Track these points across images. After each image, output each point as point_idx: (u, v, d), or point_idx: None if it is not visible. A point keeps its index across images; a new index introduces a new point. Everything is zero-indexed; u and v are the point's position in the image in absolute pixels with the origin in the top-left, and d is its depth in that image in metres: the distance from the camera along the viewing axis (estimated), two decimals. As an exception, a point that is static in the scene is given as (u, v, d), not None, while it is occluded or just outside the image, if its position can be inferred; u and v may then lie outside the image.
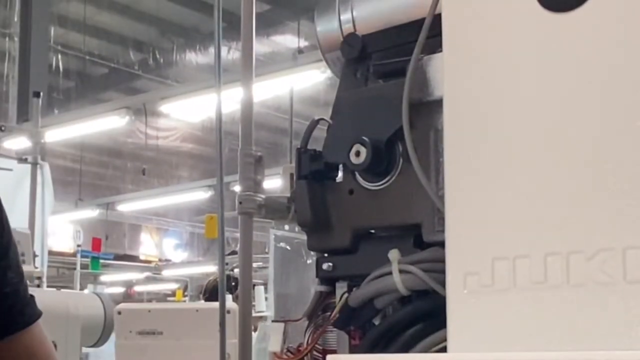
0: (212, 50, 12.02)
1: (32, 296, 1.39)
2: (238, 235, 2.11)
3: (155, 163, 14.61)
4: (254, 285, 5.40)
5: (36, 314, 1.38)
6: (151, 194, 13.78)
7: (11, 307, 1.33)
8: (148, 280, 16.23)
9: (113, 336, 3.14)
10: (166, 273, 15.94)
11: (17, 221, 4.87)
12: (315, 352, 1.57)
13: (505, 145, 1.06)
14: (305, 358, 1.57)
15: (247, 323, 2.15)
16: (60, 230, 13.15)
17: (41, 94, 6.24)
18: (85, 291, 8.37)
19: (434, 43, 1.30)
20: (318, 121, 1.64)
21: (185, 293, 13.15)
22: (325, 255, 1.58)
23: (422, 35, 1.35)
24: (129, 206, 14.41)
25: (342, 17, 1.63)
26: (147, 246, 17.54)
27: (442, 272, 1.11)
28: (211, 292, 5.64)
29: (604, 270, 0.96)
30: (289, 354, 1.60)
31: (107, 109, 9.03)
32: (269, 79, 7.30)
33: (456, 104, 1.12)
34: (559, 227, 1.00)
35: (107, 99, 11.88)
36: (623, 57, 0.98)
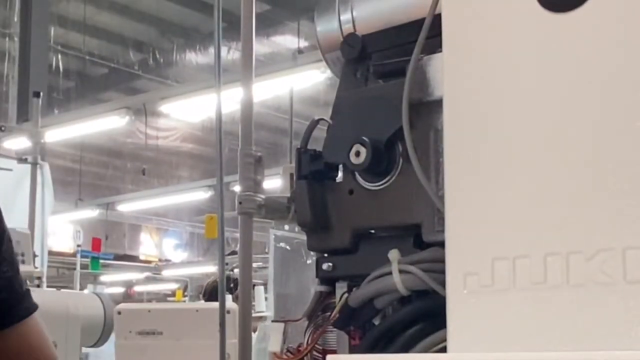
0: (212, 50, 12.02)
1: (27, 290, 1.38)
2: (238, 235, 2.11)
3: (155, 163, 14.61)
4: (254, 285, 5.40)
5: (32, 307, 1.37)
6: (151, 194, 13.78)
7: (5, 300, 1.33)
8: (148, 280, 16.23)
9: (113, 336, 3.14)
10: (166, 273, 15.94)
11: (17, 221, 4.87)
12: (315, 352, 1.57)
13: (505, 145, 1.06)
14: (305, 358, 1.57)
15: (247, 323, 2.15)
16: (60, 230, 13.15)
17: (41, 94, 6.23)
18: (85, 291, 8.37)
19: (434, 43, 1.30)
20: (318, 121, 1.64)
21: (185, 293, 13.15)
22: (325, 255, 1.58)
23: (422, 35, 1.35)
24: (129, 206, 14.41)
25: (342, 17, 1.63)
26: (147, 246, 17.54)
27: (442, 272, 1.11)
28: (210, 293, 5.64)
29: (604, 271, 0.96)
30: (288, 354, 1.60)
31: (107, 109, 9.03)
32: (268, 79, 7.30)
33: (456, 104, 1.12)
34: (559, 227, 1.00)
35: (107, 99, 11.89)
36: (623, 57, 0.98)
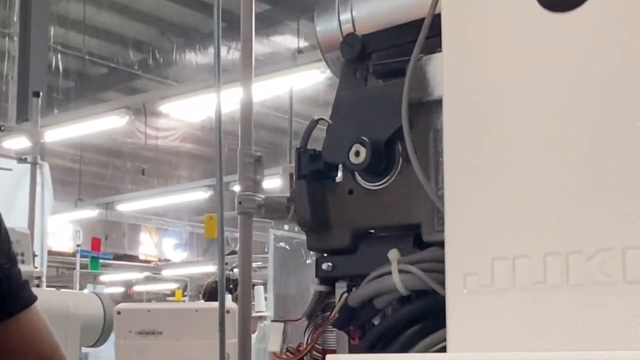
0: (212, 50, 12.02)
1: (26, 281, 1.39)
2: (238, 235, 2.11)
3: (155, 163, 14.61)
4: (254, 286, 5.40)
5: (33, 298, 1.38)
6: (151, 194, 13.79)
7: (6, 291, 1.33)
8: (148, 280, 16.22)
9: (113, 336, 3.14)
10: (166, 273, 15.94)
11: (17, 221, 4.88)
12: (315, 352, 1.57)
13: (505, 145, 1.06)
14: (305, 358, 1.57)
15: (247, 323, 2.15)
16: (60, 230, 13.15)
17: (41, 94, 6.23)
18: (85, 291, 8.36)
19: (434, 43, 1.30)
20: (318, 121, 1.64)
21: (185, 293, 13.14)
22: (325, 255, 1.58)
23: (422, 35, 1.35)
24: (128, 206, 14.41)
25: (341, 18, 1.63)
26: (147, 246, 17.55)
27: (442, 272, 1.11)
28: (210, 294, 5.64)
29: (604, 271, 0.96)
30: (288, 354, 1.60)
31: (107, 109, 9.03)
32: (268, 79, 7.30)
33: (456, 104, 1.12)
34: (559, 227, 1.00)
35: (107, 99, 11.89)
36: (623, 57, 0.98)
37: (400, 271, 1.38)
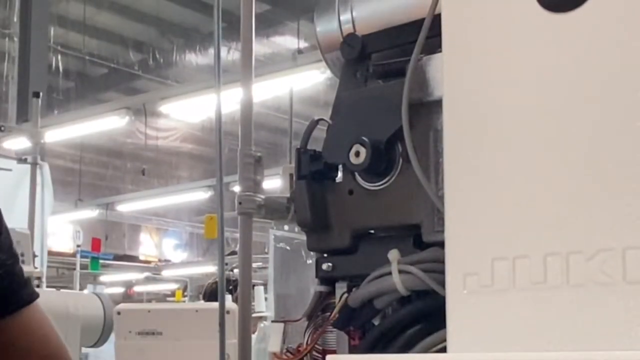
0: (211, 50, 12.02)
1: (28, 278, 1.39)
2: (238, 235, 2.11)
3: (155, 163, 14.61)
4: (254, 286, 5.40)
5: (33, 295, 1.38)
6: (151, 194, 13.79)
7: (8, 287, 1.33)
8: (148, 280, 16.22)
9: (113, 336, 3.14)
10: (166, 273, 15.94)
11: (17, 221, 4.88)
12: (314, 353, 1.57)
13: (504, 145, 1.06)
14: (304, 358, 1.57)
15: (247, 323, 2.15)
16: (59, 230, 13.15)
17: (41, 94, 6.23)
18: (85, 291, 8.36)
19: (434, 43, 1.30)
20: (318, 121, 1.64)
21: (185, 293, 13.14)
22: (325, 255, 1.58)
23: (421, 35, 1.35)
24: (128, 206, 14.41)
25: (341, 18, 1.63)
26: (147, 246, 17.55)
27: (442, 272, 1.11)
28: (210, 294, 5.64)
29: (604, 271, 0.96)
30: (288, 354, 1.60)
31: (107, 109, 9.03)
32: (268, 79, 7.30)
33: (456, 104, 1.12)
34: (559, 227, 1.00)
35: (107, 99, 11.88)
36: (623, 57, 0.98)
37: (400, 271, 1.38)
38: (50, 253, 8.15)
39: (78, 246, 9.31)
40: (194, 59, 13.17)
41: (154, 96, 9.46)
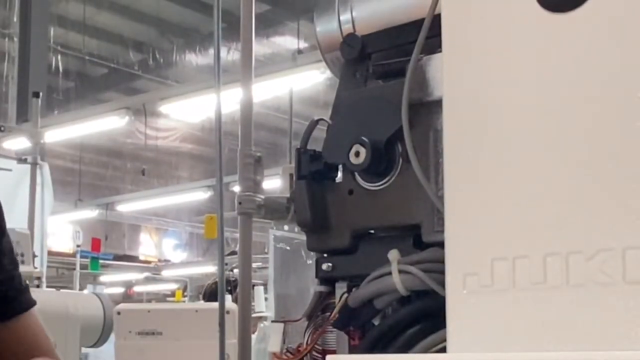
0: (211, 50, 12.02)
1: (27, 285, 1.39)
2: (237, 235, 2.11)
3: (155, 163, 14.61)
4: (254, 286, 5.40)
5: (31, 302, 1.38)
6: (151, 194, 13.78)
7: (5, 293, 1.33)
8: (147, 280, 16.22)
9: (112, 336, 3.14)
10: (165, 273, 15.94)
11: (16, 221, 4.87)
12: (314, 353, 1.57)
13: (504, 145, 1.06)
14: (304, 358, 1.57)
15: (247, 323, 2.15)
16: (59, 230, 13.14)
17: (41, 94, 6.23)
18: (85, 291, 8.36)
19: (434, 43, 1.30)
20: (317, 121, 1.64)
21: (185, 293, 13.14)
22: (325, 255, 1.58)
23: (421, 35, 1.35)
24: (128, 206, 14.40)
25: (341, 18, 1.63)
26: (147, 246, 17.54)
27: (442, 272, 1.11)
28: (210, 295, 5.64)
29: (604, 271, 0.96)
30: (288, 354, 1.60)
31: (107, 109, 9.03)
32: (268, 79, 7.30)
33: (456, 104, 1.12)
34: (559, 227, 1.00)
35: (107, 99, 11.88)
36: (623, 57, 0.98)
37: (400, 271, 1.38)
38: (50, 253, 8.15)
39: (78, 246, 9.30)
40: (194, 59, 13.17)
41: (153, 96, 9.46)
